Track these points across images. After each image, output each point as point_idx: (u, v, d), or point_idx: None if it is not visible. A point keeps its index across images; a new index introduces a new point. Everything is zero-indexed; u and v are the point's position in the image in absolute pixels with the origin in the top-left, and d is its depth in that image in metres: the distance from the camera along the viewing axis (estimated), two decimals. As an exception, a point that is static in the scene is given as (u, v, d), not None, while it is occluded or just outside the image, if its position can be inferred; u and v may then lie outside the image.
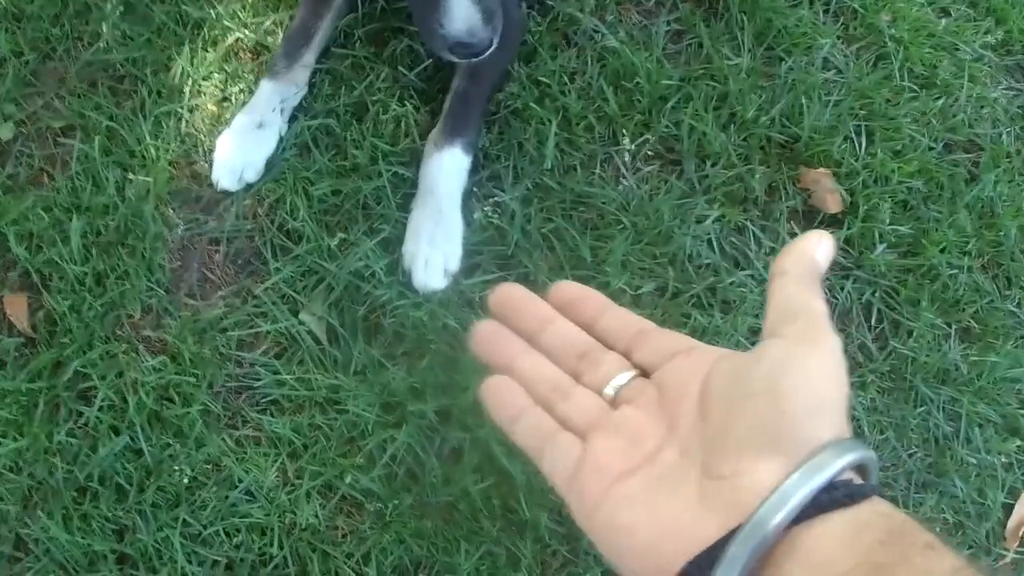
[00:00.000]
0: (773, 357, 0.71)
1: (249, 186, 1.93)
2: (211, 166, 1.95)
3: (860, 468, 0.68)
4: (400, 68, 2.00)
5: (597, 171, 1.95)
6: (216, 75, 2.01)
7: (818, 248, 0.79)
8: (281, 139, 1.94)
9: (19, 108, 2.02)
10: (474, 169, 1.91)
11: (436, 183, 1.87)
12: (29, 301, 1.87)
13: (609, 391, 0.79)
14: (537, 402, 0.80)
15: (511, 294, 0.88)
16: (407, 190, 1.91)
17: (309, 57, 1.98)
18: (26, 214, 1.89)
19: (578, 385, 0.80)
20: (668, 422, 0.74)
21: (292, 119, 1.97)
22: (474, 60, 1.75)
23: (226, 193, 1.94)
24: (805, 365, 0.70)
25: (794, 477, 0.64)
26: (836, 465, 0.64)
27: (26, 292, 1.87)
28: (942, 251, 2.05)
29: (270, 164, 1.93)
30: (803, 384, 0.68)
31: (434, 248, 1.85)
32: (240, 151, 1.93)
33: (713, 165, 1.99)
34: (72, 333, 1.80)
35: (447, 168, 1.88)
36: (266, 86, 1.96)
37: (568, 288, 0.87)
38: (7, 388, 1.77)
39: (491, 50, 1.72)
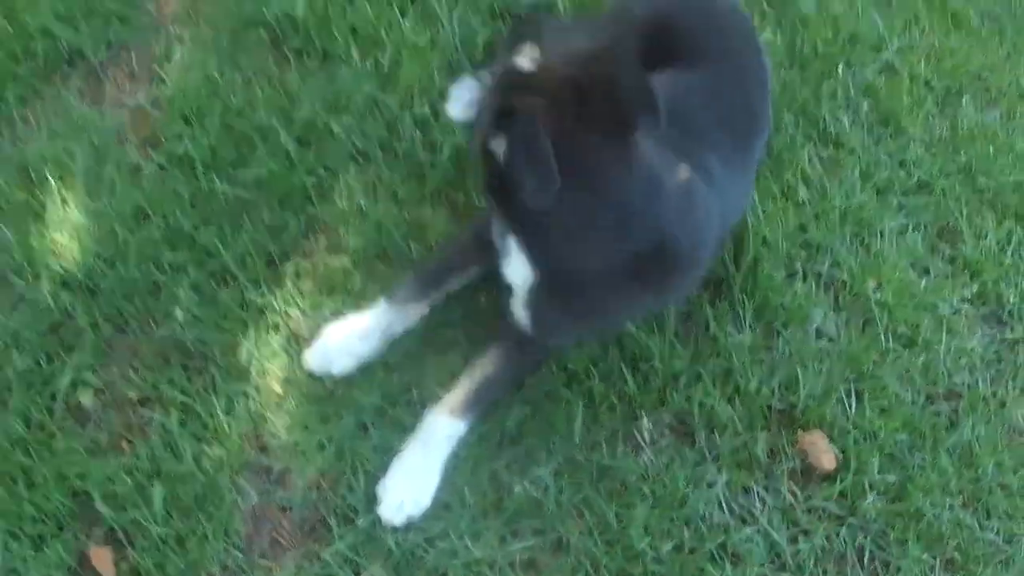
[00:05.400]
0: None
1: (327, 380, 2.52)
2: (309, 350, 2.54)
3: None
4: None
5: (620, 446, 2.50)
6: (280, 357, 2.56)
7: None
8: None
9: (96, 376, 2.54)
10: (512, 443, 2.48)
11: (433, 440, 2.43)
12: (114, 555, 2.35)
13: None
14: None
15: None
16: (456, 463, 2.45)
17: (425, 304, 2.58)
18: (110, 476, 2.39)
19: None
20: None
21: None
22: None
23: (312, 376, 2.52)
24: None
25: None
26: None
27: (111, 546, 2.36)
28: (926, 494, 2.56)
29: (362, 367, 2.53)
30: None
31: (407, 489, 2.40)
32: (338, 347, 2.52)
33: (721, 435, 2.53)
34: (159, 588, 2.30)
35: (449, 434, 2.44)
36: (385, 307, 2.55)
37: None
38: (98, 636, 2.27)
39: None
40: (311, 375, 2.52)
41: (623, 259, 2.20)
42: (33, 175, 2.81)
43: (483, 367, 2.48)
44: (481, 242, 2.51)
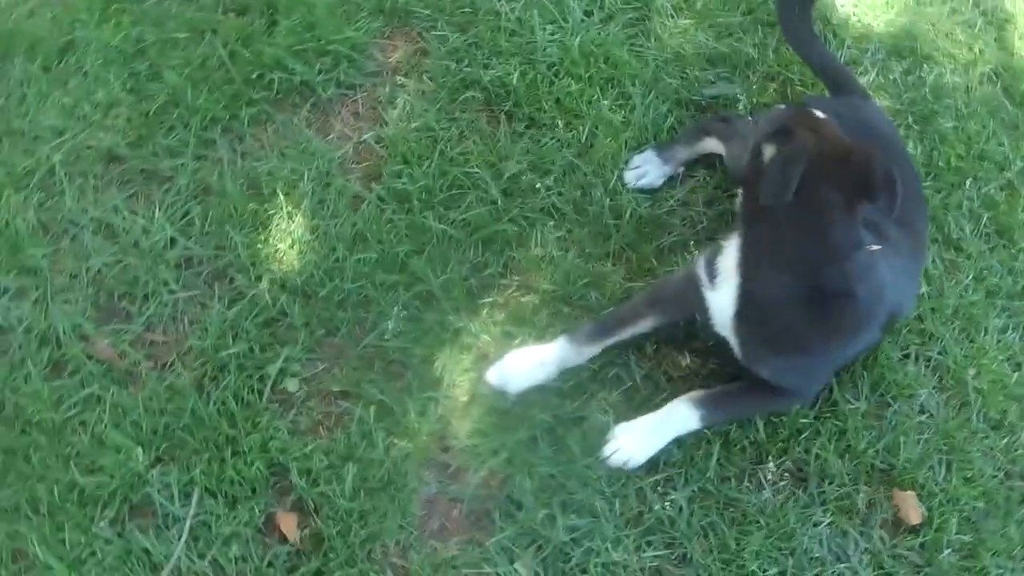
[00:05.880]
0: None
1: (505, 396, 2.99)
2: (491, 368, 3.00)
3: None
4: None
5: (746, 483, 2.99)
6: (469, 373, 3.06)
7: None
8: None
9: (303, 368, 3.04)
10: (659, 468, 2.95)
11: (670, 418, 2.93)
12: (299, 520, 2.83)
13: None
14: None
15: None
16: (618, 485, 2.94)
17: (597, 347, 3.05)
18: (308, 454, 2.88)
19: None
20: None
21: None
22: None
23: (494, 392, 2.99)
24: None
25: None
26: None
27: (296, 512, 2.84)
28: (994, 556, 3.02)
29: (539, 390, 3.00)
30: None
31: (632, 443, 2.90)
32: (516, 370, 2.99)
33: (830, 484, 3.02)
34: (337, 552, 2.75)
35: (684, 416, 2.93)
36: (563, 343, 3.01)
37: None
38: (278, 587, 2.75)
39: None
40: (492, 391, 2.98)
41: (810, 292, 2.68)
42: (263, 189, 3.29)
43: (735, 384, 3.01)
44: (653, 302, 3.03)
